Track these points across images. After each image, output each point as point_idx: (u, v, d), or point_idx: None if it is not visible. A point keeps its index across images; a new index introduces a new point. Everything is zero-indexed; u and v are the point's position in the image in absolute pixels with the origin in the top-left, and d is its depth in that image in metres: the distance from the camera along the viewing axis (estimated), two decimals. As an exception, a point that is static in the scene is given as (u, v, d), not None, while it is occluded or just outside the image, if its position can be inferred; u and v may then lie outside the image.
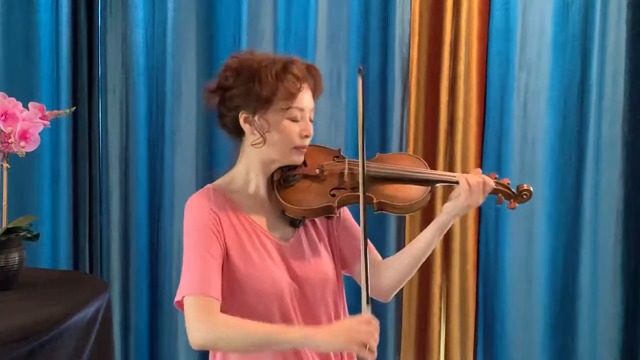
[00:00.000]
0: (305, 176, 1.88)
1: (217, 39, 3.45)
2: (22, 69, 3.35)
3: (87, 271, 3.46)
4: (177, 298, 1.75)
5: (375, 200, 1.86)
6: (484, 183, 1.87)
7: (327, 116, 3.35)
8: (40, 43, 3.36)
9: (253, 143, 1.82)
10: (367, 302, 1.70)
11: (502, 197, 1.94)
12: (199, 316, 1.70)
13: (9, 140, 2.41)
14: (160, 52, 3.43)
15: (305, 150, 1.85)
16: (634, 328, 3.41)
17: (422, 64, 3.39)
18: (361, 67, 1.85)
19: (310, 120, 1.85)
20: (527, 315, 3.41)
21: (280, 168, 1.87)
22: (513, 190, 1.94)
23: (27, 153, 2.45)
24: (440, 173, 1.96)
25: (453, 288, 3.42)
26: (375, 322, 1.67)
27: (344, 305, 1.94)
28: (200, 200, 1.83)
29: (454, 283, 3.41)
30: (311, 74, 1.84)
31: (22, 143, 2.42)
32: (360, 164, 1.80)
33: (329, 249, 1.93)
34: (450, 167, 3.40)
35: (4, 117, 2.40)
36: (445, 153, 3.40)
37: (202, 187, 3.57)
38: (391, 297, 1.99)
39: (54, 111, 2.59)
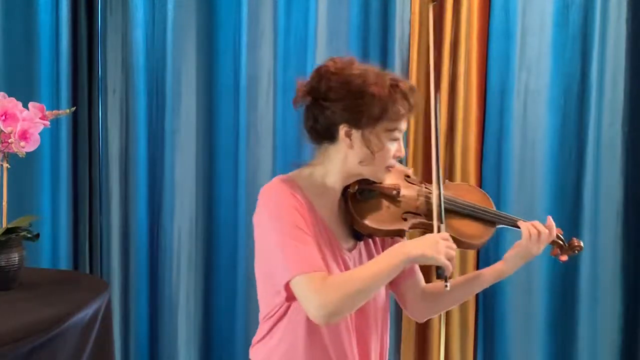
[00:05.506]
0: (381, 194, 1.84)
1: (217, 39, 3.45)
2: (22, 69, 3.34)
3: (87, 271, 3.46)
4: (285, 280, 1.72)
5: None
6: (542, 233, 1.85)
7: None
8: (40, 43, 3.36)
9: (360, 161, 1.78)
10: (442, 221, 1.76)
11: (557, 249, 1.93)
12: (316, 292, 1.68)
13: (9, 140, 2.40)
14: (160, 52, 3.43)
15: (393, 169, 1.84)
16: (634, 328, 3.41)
17: (422, 64, 3.39)
18: None
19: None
20: (527, 315, 3.41)
21: (358, 180, 1.84)
22: (566, 242, 1.93)
23: (27, 153, 2.45)
24: (507, 215, 1.92)
25: (453, 288, 3.41)
26: (450, 238, 1.74)
27: (387, 322, 1.94)
28: (281, 186, 1.78)
29: (454, 283, 3.40)
30: (413, 96, 1.79)
31: (22, 143, 2.42)
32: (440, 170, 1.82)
33: None
34: (450, 167, 3.40)
35: (4, 117, 2.40)
36: (446, 153, 3.39)
37: (202, 187, 3.59)
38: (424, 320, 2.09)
39: (54, 111, 2.59)
